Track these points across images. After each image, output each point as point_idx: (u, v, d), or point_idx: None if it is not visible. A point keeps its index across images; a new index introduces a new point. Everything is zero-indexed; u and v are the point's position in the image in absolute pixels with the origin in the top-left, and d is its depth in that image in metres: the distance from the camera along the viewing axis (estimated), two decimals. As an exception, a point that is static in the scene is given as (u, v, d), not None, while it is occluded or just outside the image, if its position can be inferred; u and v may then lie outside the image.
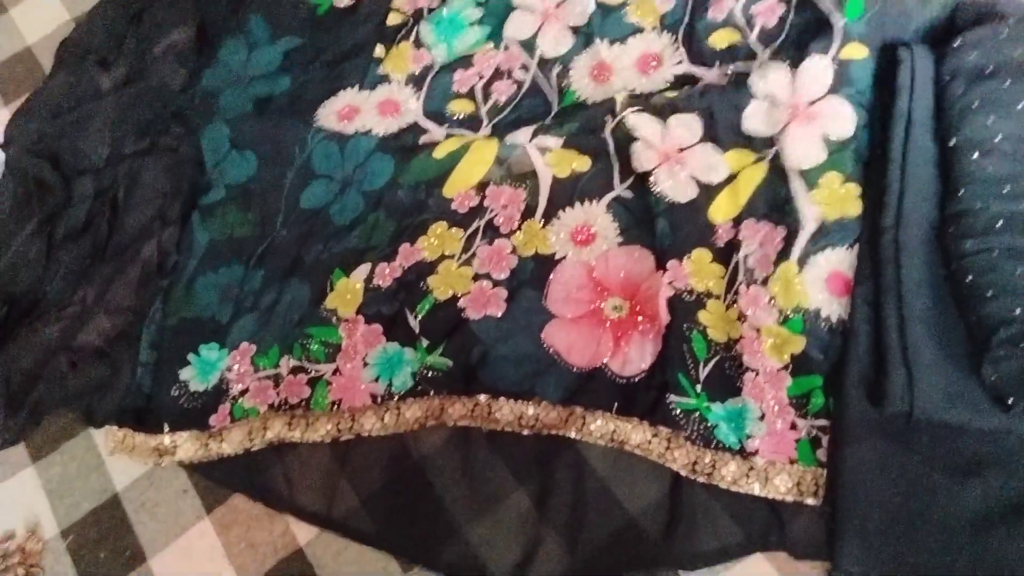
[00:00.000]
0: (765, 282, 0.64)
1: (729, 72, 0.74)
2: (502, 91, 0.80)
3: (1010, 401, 0.52)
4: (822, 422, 0.59)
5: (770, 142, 0.69)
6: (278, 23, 0.89)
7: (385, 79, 0.83)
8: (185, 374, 0.70)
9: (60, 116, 0.84)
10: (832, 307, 0.62)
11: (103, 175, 0.80)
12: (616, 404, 0.62)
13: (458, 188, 0.74)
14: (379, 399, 0.65)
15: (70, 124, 0.84)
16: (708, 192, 0.69)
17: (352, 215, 0.74)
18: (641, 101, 0.75)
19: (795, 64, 0.70)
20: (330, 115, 0.81)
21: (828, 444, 0.58)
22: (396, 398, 0.65)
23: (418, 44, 0.84)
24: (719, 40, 0.76)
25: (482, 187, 0.73)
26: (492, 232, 0.71)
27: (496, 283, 0.68)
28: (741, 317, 0.63)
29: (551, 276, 0.68)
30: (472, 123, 0.79)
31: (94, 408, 0.69)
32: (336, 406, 0.66)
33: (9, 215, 0.78)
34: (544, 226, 0.71)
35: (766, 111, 0.70)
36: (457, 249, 0.71)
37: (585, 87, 0.78)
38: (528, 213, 0.72)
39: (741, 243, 0.66)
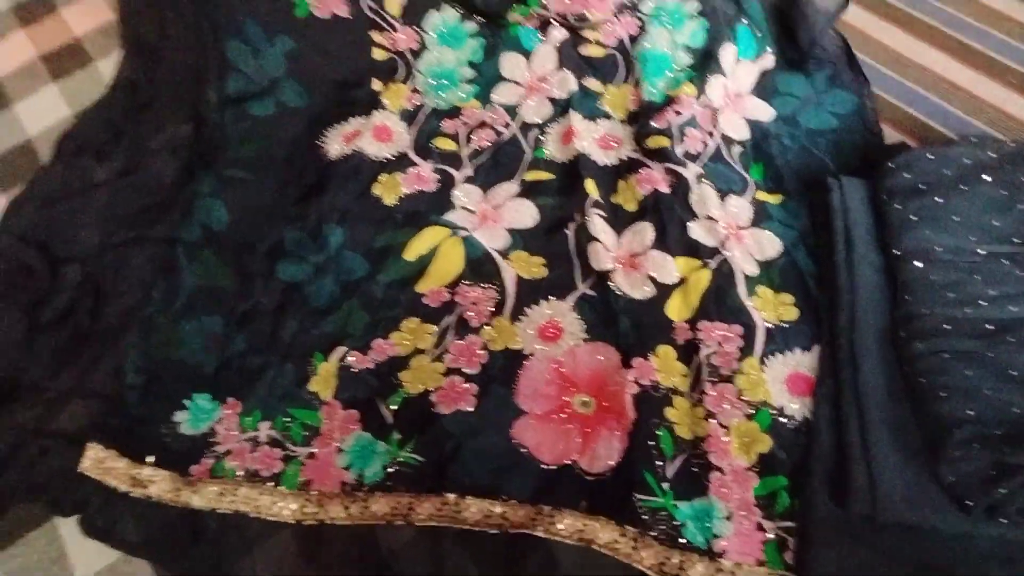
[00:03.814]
0: (731, 378, 0.66)
1: (666, 169, 0.81)
2: (483, 138, 0.88)
3: (969, 503, 0.53)
4: (788, 524, 0.59)
5: (715, 251, 0.75)
6: (267, 23, 0.92)
7: (381, 105, 0.90)
8: (178, 416, 0.69)
9: (53, 205, 0.87)
10: (794, 407, 0.64)
11: (90, 264, 0.82)
12: (584, 502, 0.62)
13: (430, 286, 0.76)
14: (348, 487, 0.65)
15: (62, 213, 0.86)
16: (664, 291, 0.73)
17: (327, 300, 0.76)
18: (604, 208, 0.79)
19: (722, 195, 0.79)
20: (338, 137, 0.88)
21: (795, 546, 0.58)
22: (365, 489, 0.65)
23: (415, 90, 0.92)
24: (653, 143, 0.84)
25: (453, 285, 0.76)
26: (463, 327, 0.72)
27: (468, 378, 0.69)
28: (708, 416, 0.64)
29: (520, 372, 0.69)
30: (453, 161, 0.87)
31: (61, 497, 0.68)
32: (306, 486, 0.65)
33: (-4, 300, 0.80)
34: (513, 322, 0.72)
35: (707, 226, 0.77)
36: (430, 344, 0.72)
37: (555, 149, 0.87)
38: (498, 309, 0.74)
39: (700, 344, 0.68)
